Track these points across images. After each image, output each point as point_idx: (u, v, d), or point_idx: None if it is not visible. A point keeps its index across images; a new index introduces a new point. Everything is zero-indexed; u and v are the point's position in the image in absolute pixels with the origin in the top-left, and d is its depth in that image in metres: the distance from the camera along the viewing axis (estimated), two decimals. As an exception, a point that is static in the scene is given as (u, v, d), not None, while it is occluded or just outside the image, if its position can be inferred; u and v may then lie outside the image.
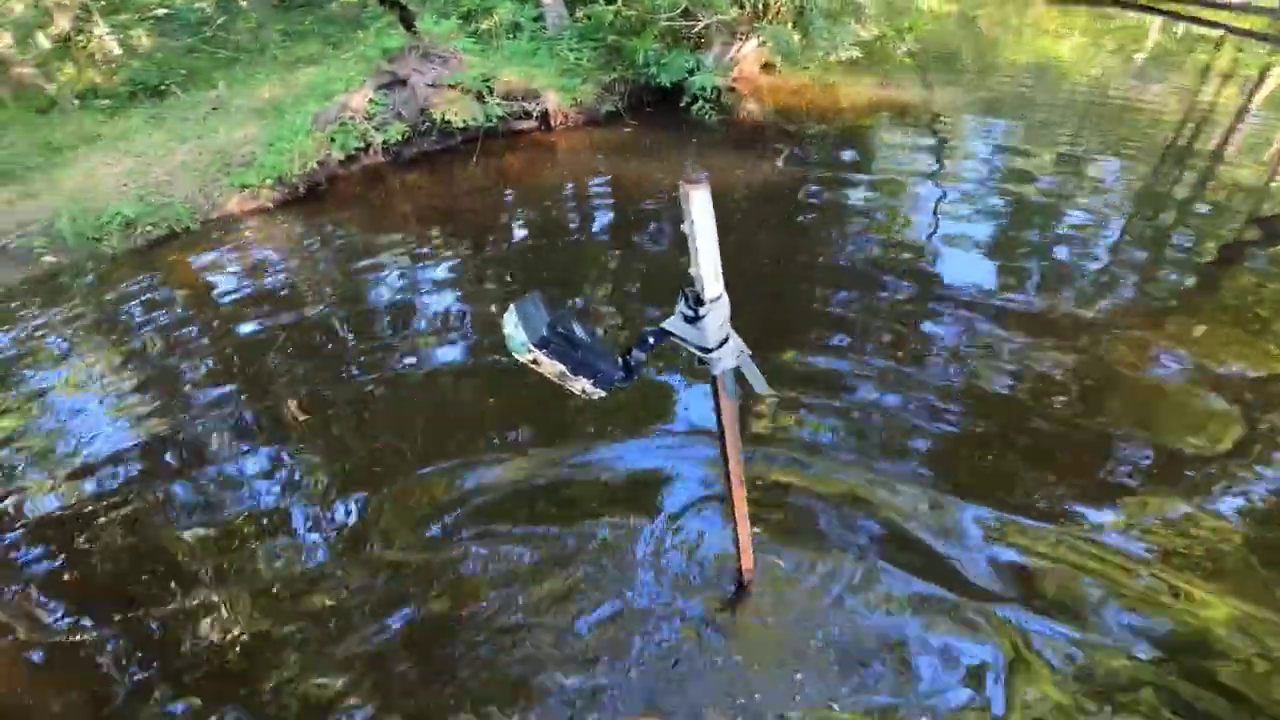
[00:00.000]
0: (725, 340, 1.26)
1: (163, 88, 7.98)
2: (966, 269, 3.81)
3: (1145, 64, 8.73)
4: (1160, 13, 11.78)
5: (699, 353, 1.26)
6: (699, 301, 1.24)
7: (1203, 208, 4.62)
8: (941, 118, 6.43)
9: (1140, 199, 4.70)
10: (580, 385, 0.86)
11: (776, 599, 2.17)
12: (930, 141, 5.85)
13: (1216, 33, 10.50)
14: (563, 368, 0.83)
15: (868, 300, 3.60)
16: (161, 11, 10.04)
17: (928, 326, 3.37)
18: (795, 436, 2.77)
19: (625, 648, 2.10)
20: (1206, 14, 11.43)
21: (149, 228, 5.27)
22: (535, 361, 0.80)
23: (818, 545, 2.31)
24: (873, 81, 7.48)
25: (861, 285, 3.72)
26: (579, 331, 0.82)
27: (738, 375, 1.38)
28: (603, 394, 0.90)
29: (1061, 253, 3.99)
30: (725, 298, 1.24)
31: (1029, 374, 3.03)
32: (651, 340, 1.02)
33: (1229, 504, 2.41)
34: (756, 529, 2.22)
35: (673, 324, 1.26)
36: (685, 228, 1.15)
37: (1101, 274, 3.77)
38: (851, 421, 2.82)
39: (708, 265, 1.19)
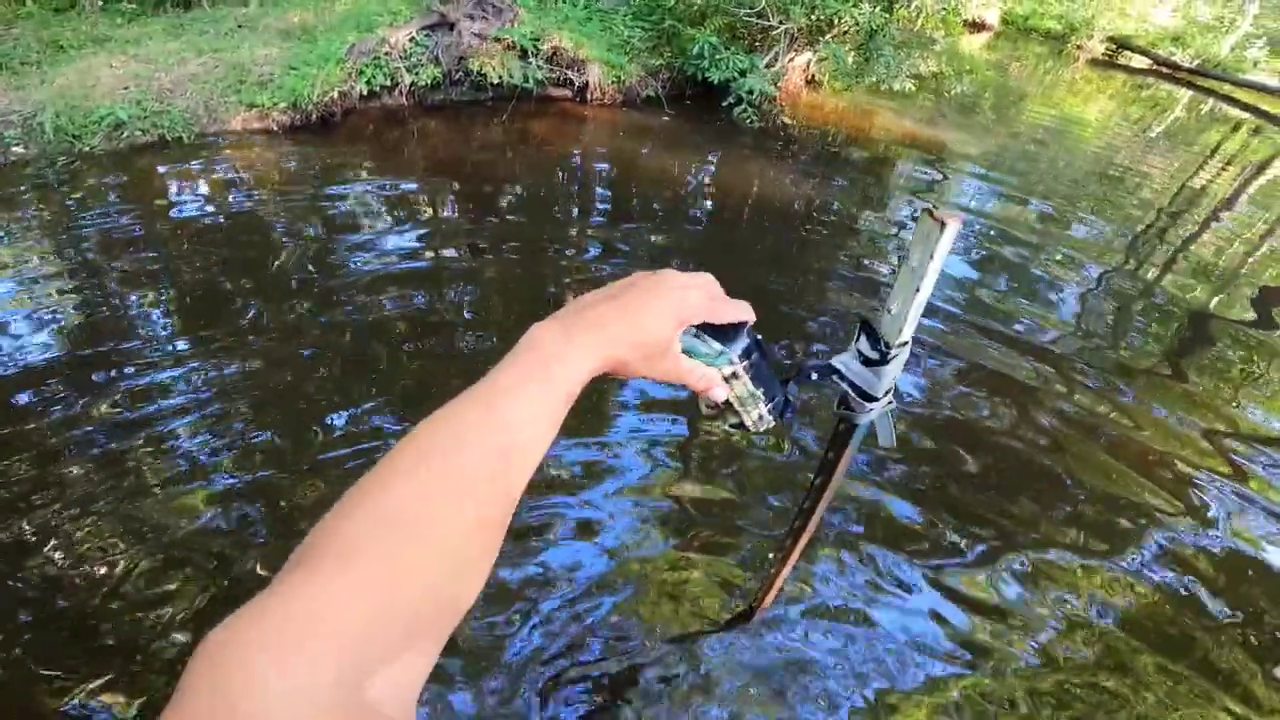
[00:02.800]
0: (888, 392, 1.06)
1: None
2: (939, 325, 3.59)
3: (1158, 137, 8.63)
4: (1196, 88, 11.71)
5: (857, 398, 1.04)
6: (888, 344, 0.97)
7: (1169, 284, 4.60)
8: (958, 164, 6.23)
9: (1112, 270, 4.62)
10: (757, 413, 0.72)
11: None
12: (941, 186, 5.70)
13: (1241, 115, 10.50)
14: (757, 392, 0.68)
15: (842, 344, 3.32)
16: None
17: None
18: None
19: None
20: (1240, 94, 11.37)
21: (138, 132, 4.86)
22: (734, 375, 0.64)
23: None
24: (909, 115, 7.22)
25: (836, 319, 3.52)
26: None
27: (870, 425, 1.12)
28: (769, 428, 0.76)
29: (1030, 313, 3.85)
30: (909, 346, 1.00)
31: (972, 426, 2.87)
32: (814, 376, 0.92)
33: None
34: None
35: (843, 361, 1.03)
36: (913, 262, 0.89)
37: (1062, 336, 3.68)
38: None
39: (918, 308, 0.93)
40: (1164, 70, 12.61)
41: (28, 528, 2.07)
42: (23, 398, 2.54)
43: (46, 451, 2.32)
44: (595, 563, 2.09)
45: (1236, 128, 9.77)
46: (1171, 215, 5.84)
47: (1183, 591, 2.22)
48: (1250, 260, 5.18)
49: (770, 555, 1.72)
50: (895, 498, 2.42)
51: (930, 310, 3.56)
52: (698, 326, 0.62)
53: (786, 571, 1.64)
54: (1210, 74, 12.26)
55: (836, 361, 1.05)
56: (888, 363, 0.99)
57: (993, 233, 4.87)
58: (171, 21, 7.06)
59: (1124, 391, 3.24)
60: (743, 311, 0.62)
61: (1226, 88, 11.85)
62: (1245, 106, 11.01)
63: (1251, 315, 4.27)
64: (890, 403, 1.10)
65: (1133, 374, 3.42)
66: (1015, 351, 3.40)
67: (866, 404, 1.04)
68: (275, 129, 5.10)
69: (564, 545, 2.13)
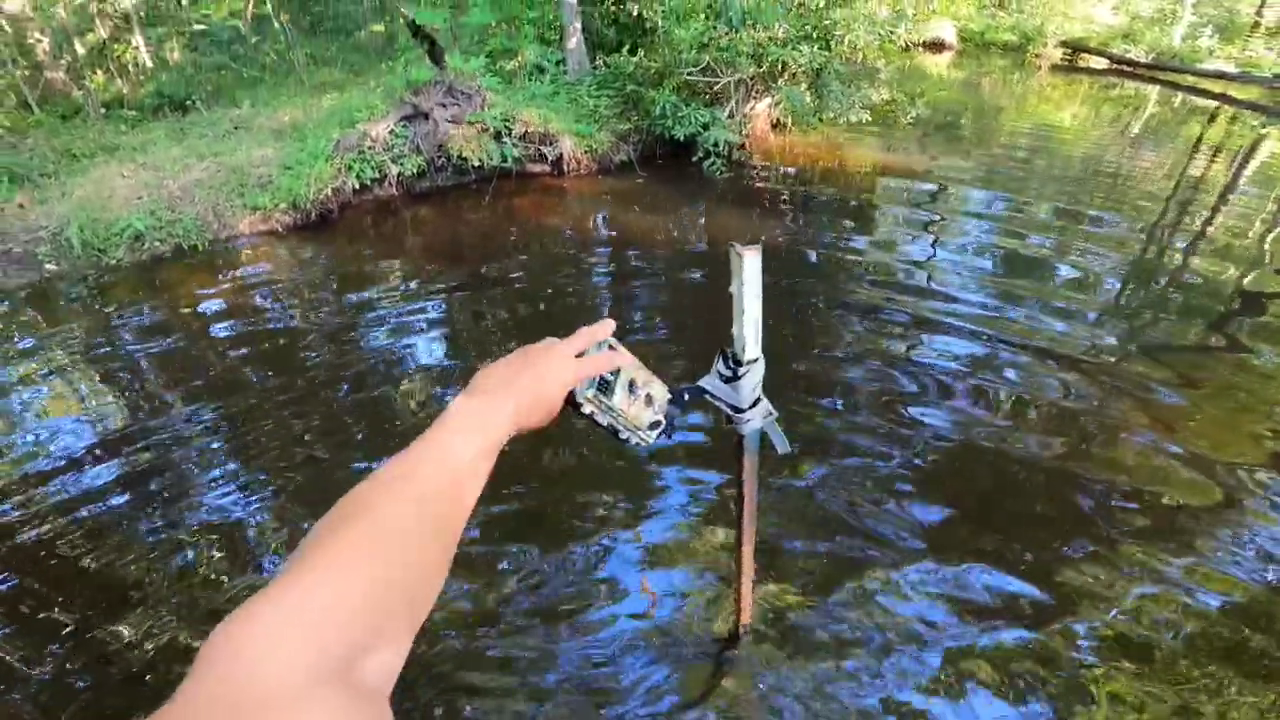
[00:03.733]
0: (757, 402, 1.30)
1: (188, 103, 8.14)
2: (944, 350, 3.78)
3: (1140, 134, 8.99)
4: (1160, 83, 12.12)
5: (731, 411, 1.29)
6: (738, 362, 1.25)
7: (1189, 278, 4.75)
8: (943, 184, 6.57)
9: (1128, 271, 4.80)
10: (635, 438, 0.88)
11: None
12: (930, 208, 5.94)
13: (1211, 104, 10.81)
14: (606, 422, 0.84)
15: (855, 366, 3.62)
16: (198, 27, 10.31)
17: (912, 405, 3.34)
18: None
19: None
20: (1205, 84, 11.75)
21: (156, 243, 5.33)
22: (592, 412, 0.81)
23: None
24: (879, 145, 7.64)
25: (850, 351, 3.76)
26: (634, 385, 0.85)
27: (762, 435, 1.43)
28: (650, 445, 0.93)
29: (1048, 326, 4.00)
30: (761, 361, 1.26)
31: (1003, 453, 3.01)
32: (686, 396, 1.05)
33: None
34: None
35: (708, 382, 1.27)
36: (733, 289, 1.19)
37: (1086, 348, 3.79)
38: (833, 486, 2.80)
39: (750, 329, 1.21)
40: (1124, 68, 13.01)
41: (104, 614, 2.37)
42: (84, 505, 2.86)
43: (116, 534, 2.65)
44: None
45: (1213, 117, 10.03)
46: (1180, 205, 6.05)
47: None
48: (1269, 241, 5.42)
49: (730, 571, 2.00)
50: (926, 503, 2.65)
51: (954, 340, 3.80)
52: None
53: (747, 584, 1.93)
54: (1169, 66, 12.62)
55: (703, 382, 1.27)
56: (740, 379, 1.24)
57: (1002, 240, 5.17)
58: (171, 126, 7.57)
59: (1170, 385, 3.41)
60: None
61: (1189, 79, 12.15)
62: (1214, 95, 11.28)
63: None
64: (770, 413, 1.35)
65: (1182, 366, 3.60)
66: (1059, 346, 3.69)
67: (740, 415, 1.28)
68: (279, 229, 5.55)
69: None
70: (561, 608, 2.33)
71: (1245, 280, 4.71)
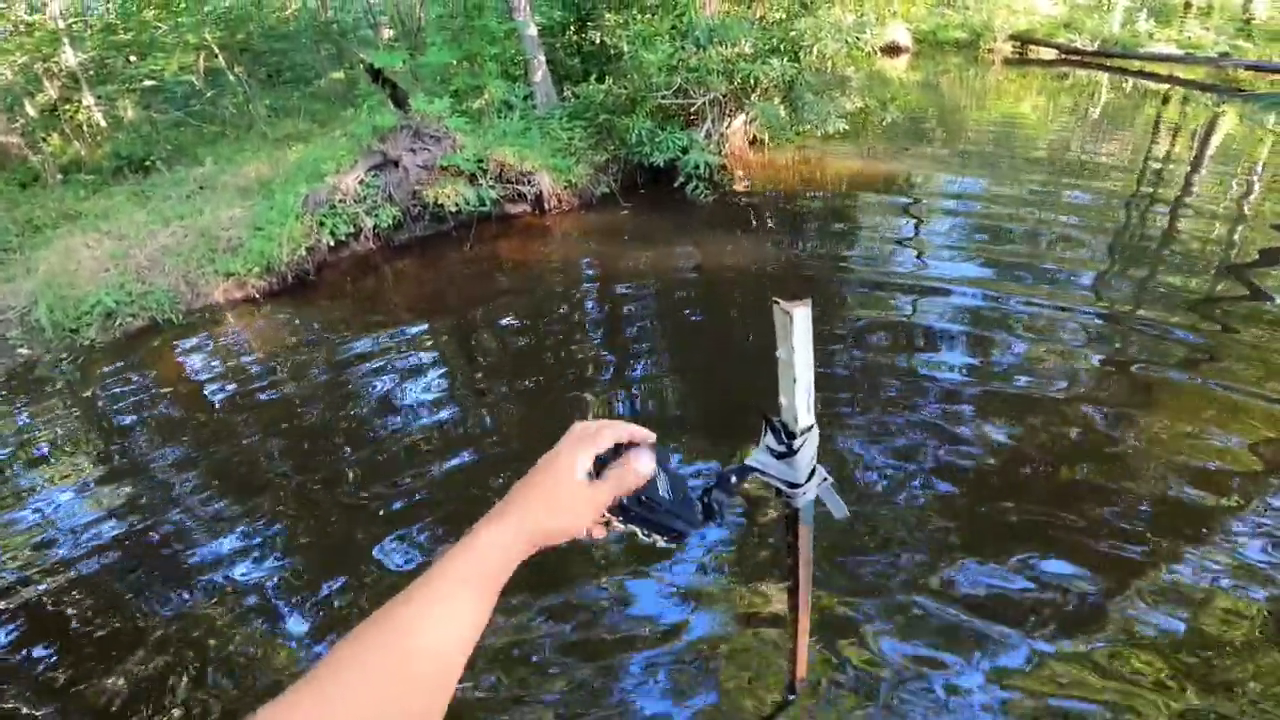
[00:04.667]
0: (813, 472, 1.13)
1: (148, 163, 7.90)
2: (943, 352, 3.84)
3: (1100, 120, 9.21)
4: (1109, 69, 12.38)
5: (785, 488, 1.13)
6: (790, 434, 1.09)
7: (1173, 261, 4.86)
8: (922, 188, 6.65)
9: (1109, 257, 4.92)
10: (654, 540, 0.80)
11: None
12: (913, 212, 5.98)
13: (1162, 86, 11.06)
14: (636, 529, 0.76)
15: (852, 377, 3.63)
16: (149, 83, 10.05)
17: (915, 409, 3.35)
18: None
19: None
20: (1152, 67, 12.03)
21: (129, 318, 5.10)
22: (607, 523, 0.74)
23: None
24: (857, 153, 7.66)
25: (848, 363, 3.76)
26: (661, 491, 0.75)
27: (816, 501, 1.24)
28: (676, 545, 0.85)
29: (1038, 321, 4.05)
30: (815, 427, 1.10)
31: (1000, 451, 3.04)
32: (735, 479, 0.93)
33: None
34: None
35: (759, 459, 1.11)
36: (781, 354, 1.02)
37: (1074, 339, 3.86)
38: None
39: (803, 394, 1.05)
40: (1072, 58, 13.27)
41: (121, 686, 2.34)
42: (92, 585, 2.81)
43: (130, 611, 2.60)
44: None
45: (1166, 100, 10.30)
46: (1150, 188, 6.26)
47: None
48: (1245, 215, 5.61)
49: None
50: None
51: (948, 343, 3.90)
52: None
53: (803, 642, 1.81)
54: (1114, 53, 12.91)
55: (751, 461, 1.12)
56: (795, 453, 1.08)
57: (988, 234, 5.30)
58: (133, 189, 7.32)
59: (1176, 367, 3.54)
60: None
61: (1136, 63, 12.45)
62: (1162, 78, 11.58)
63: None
64: (825, 478, 1.17)
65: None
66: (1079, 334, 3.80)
67: (796, 490, 1.12)
68: (256, 296, 5.34)
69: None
70: (598, 649, 2.29)
71: (1233, 243, 4.98)
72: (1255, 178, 6.63)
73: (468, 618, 0.58)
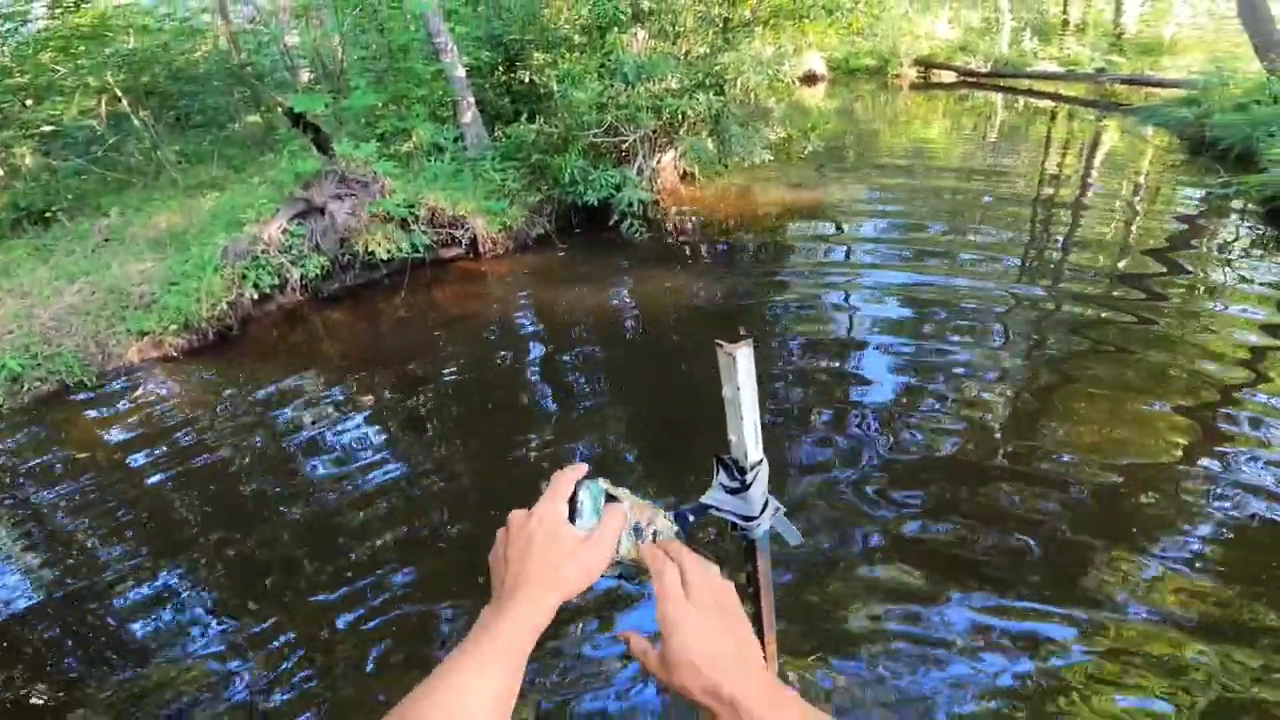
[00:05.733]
0: (766, 504, 1.15)
1: (48, 214, 7.43)
2: (878, 369, 4.03)
3: (997, 139, 9.85)
4: (1001, 89, 13.23)
5: (741, 522, 1.13)
6: (742, 470, 1.10)
7: (1073, 271, 5.21)
8: (845, 209, 6.98)
9: (1017, 270, 5.25)
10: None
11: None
12: (839, 242, 6.22)
13: (1048, 104, 11.90)
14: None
15: (795, 406, 3.74)
16: (48, 129, 9.49)
17: (852, 431, 3.47)
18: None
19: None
20: (1039, 85, 12.92)
21: (37, 382, 4.74)
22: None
23: None
24: (783, 182, 7.88)
25: (790, 393, 3.87)
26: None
27: (771, 531, 1.28)
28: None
29: (962, 340, 4.26)
30: (765, 461, 1.10)
31: (937, 458, 3.20)
32: (692, 518, 0.97)
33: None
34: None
35: (713, 497, 1.11)
36: (727, 393, 1.02)
37: (993, 356, 4.07)
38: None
39: (750, 431, 1.06)
40: (969, 79, 14.09)
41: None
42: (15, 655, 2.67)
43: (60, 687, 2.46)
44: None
45: (1054, 116, 11.06)
46: (1045, 209, 6.70)
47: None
48: (1133, 227, 6.05)
49: None
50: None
51: (878, 361, 4.08)
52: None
53: (771, 667, 1.81)
54: (1005, 73, 13.77)
55: (706, 499, 1.12)
56: (749, 487, 1.09)
57: (906, 257, 5.60)
58: (33, 242, 6.89)
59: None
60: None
61: (1025, 82, 13.32)
62: (1048, 95, 12.44)
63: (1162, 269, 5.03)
64: (777, 508, 1.16)
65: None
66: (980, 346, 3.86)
67: (751, 522, 1.12)
68: (174, 354, 5.04)
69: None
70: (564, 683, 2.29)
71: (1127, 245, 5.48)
72: (1141, 183, 7.25)
73: (492, 706, 0.55)
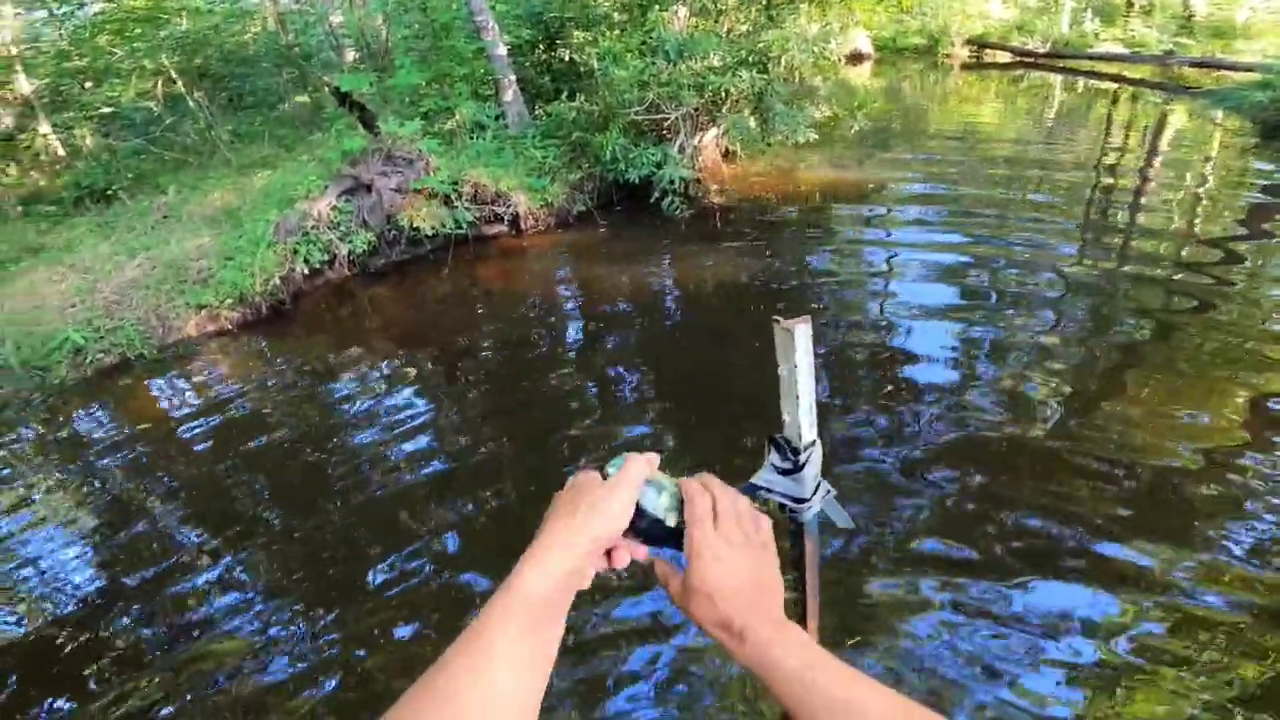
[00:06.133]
0: (818, 486, 1.13)
1: (109, 192, 7.71)
2: (925, 348, 3.95)
3: (1055, 121, 9.50)
4: (1061, 70, 12.75)
5: (792, 504, 1.12)
6: (795, 450, 1.08)
7: (1132, 263, 4.96)
8: (892, 191, 6.81)
9: (1075, 261, 5.02)
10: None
11: None
12: (885, 222, 6.07)
13: (1111, 85, 11.42)
14: (652, 549, 0.72)
15: (842, 386, 3.69)
16: (106, 110, 9.83)
17: (900, 411, 3.41)
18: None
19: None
20: (1101, 66, 12.42)
21: (99, 355, 4.95)
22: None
23: None
24: (827, 161, 7.76)
25: (836, 373, 3.82)
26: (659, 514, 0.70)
27: (821, 514, 1.25)
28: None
29: (1012, 332, 4.11)
30: (819, 442, 1.10)
31: (986, 449, 3.10)
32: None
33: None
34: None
35: (763, 478, 1.11)
36: (783, 371, 1.01)
37: (1048, 350, 3.90)
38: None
39: (805, 410, 1.05)
40: (1026, 60, 13.63)
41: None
42: (83, 625, 2.76)
43: (123, 658, 2.56)
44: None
45: (1116, 98, 10.65)
46: (1108, 188, 6.48)
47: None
48: (1198, 210, 5.81)
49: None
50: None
51: (926, 344, 3.97)
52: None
53: None
54: (1065, 54, 13.29)
55: (757, 480, 1.12)
56: (802, 468, 1.08)
57: (955, 239, 5.41)
58: (96, 220, 7.14)
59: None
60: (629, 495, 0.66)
61: (1086, 64, 12.82)
62: (1111, 77, 11.96)
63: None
64: (828, 491, 1.15)
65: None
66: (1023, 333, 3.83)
67: (802, 505, 1.11)
68: (230, 328, 5.21)
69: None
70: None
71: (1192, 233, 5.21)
72: (1208, 166, 6.90)
73: (522, 670, 0.55)
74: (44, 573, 3.10)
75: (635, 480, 0.65)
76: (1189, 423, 3.13)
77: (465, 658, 0.53)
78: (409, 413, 3.93)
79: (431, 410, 3.99)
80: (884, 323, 4.30)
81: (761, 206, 6.69)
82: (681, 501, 0.69)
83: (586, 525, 0.61)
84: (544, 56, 8.15)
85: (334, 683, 2.37)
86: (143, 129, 9.32)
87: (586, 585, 0.63)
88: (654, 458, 0.70)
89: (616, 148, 6.37)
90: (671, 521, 0.68)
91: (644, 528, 0.68)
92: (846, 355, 3.96)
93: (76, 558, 3.18)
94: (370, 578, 2.79)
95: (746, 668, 0.60)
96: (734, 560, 0.63)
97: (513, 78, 7.27)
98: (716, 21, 7.59)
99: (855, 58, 14.40)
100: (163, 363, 4.91)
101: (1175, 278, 4.56)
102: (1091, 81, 11.94)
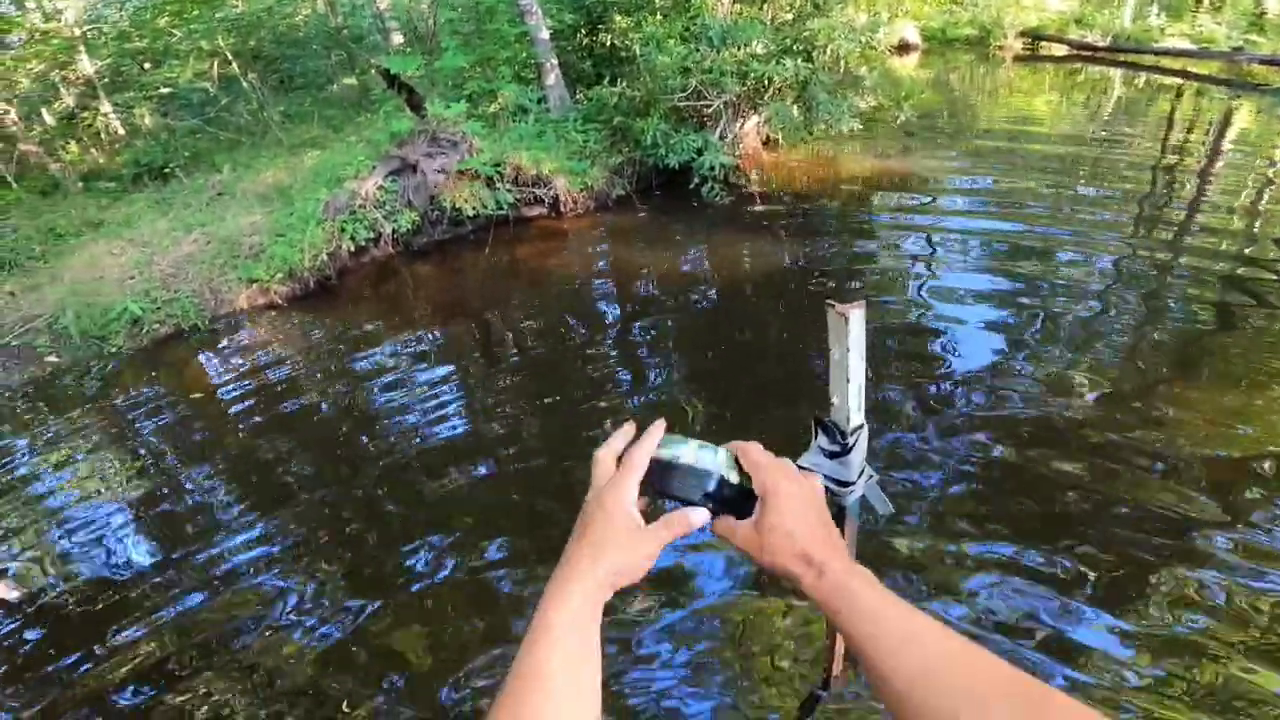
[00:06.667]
0: (862, 470, 1.15)
1: (166, 170, 7.99)
2: (967, 343, 3.85)
3: (1113, 115, 9.14)
4: (1121, 64, 12.30)
5: (836, 487, 1.14)
6: (843, 434, 1.10)
7: (1189, 255, 4.77)
8: (937, 185, 6.62)
9: (1127, 255, 4.83)
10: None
11: None
12: (929, 212, 5.96)
13: (1175, 81, 10.97)
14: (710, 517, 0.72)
15: (880, 371, 3.63)
16: (165, 90, 10.15)
17: (939, 393, 3.38)
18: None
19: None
20: (1165, 62, 11.94)
21: (155, 325, 5.17)
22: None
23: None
24: (872, 151, 7.64)
25: (874, 356, 3.73)
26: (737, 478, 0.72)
27: (861, 500, 1.26)
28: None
29: (1059, 322, 4.01)
30: (865, 426, 1.11)
31: (1029, 450, 3.00)
32: None
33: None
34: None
35: (809, 460, 1.12)
36: (835, 355, 1.03)
37: (1097, 339, 3.81)
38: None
39: (855, 393, 1.06)
40: (1084, 53, 13.19)
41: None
42: (127, 590, 2.85)
43: (161, 626, 2.65)
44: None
45: (1179, 94, 10.19)
46: (1166, 183, 6.24)
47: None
48: (1261, 208, 5.56)
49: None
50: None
51: (968, 339, 3.88)
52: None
53: (841, 639, 1.82)
54: (1126, 48, 12.82)
55: (804, 462, 1.12)
56: (849, 451, 1.09)
57: (1003, 227, 5.28)
58: (153, 196, 7.42)
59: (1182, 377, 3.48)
60: (685, 524, 0.69)
61: (1149, 58, 12.35)
62: (1175, 73, 11.44)
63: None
64: (871, 475, 1.17)
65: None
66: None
67: (846, 488, 1.13)
68: (280, 302, 5.40)
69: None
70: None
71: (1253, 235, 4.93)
72: (1275, 165, 6.60)
73: (575, 686, 0.59)
74: (83, 530, 3.22)
75: (676, 535, 0.68)
76: (1244, 424, 3.03)
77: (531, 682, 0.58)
78: (446, 387, 4.03)
79: (468, 385, 4.08)
80: (924, 308, 4.24)
81: (802, 194, 6.62)
82: (736, 459, 0.72)
83: (620, 565, 0.64)
84: (586, 41, 8.17)
85: (361, 652, 2.45)
86: (199, 109, 9.62)
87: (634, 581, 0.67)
88: (651, 427, 0.73)
89: (657, 133, 6.37)
90: (734, 478, 0.70)
91: (712, 491, 0.69)
92: (885, 341, 3.93)
93: (121, 523, 3.28)
94: (400, 547, 2.86)
95: (822, 601, 0.62)
96: (806, 499, 0.67)
97: (555, 62, 7.33)
98: (761, 9, 7.52)
99: (902, 48, 14.11)
100: (215, 334, 5.11)
101: (1237, 271, 4.39)
102: (1154, 76, 11.48)
